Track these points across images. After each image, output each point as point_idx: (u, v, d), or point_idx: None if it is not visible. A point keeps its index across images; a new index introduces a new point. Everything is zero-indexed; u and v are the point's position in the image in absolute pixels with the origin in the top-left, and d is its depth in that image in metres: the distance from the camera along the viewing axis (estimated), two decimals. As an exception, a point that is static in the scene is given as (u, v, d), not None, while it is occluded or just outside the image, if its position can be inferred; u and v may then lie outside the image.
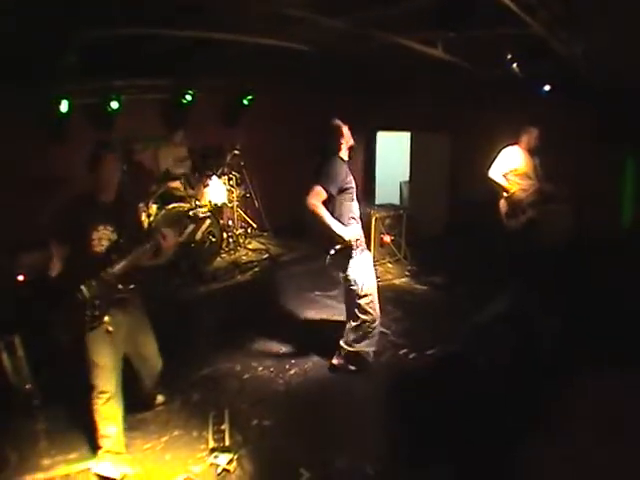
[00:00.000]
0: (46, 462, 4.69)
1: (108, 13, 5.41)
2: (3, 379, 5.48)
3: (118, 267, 4.38)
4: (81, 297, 4.23)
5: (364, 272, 5.77)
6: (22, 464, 4.66)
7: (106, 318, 4.36)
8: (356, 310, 5.84)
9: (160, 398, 5.51)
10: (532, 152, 7.80)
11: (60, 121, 8.29)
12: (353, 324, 5.91)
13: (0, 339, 5.50)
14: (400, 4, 5.58)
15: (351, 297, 5.86)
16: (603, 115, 8.13)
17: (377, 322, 5.96)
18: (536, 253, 7.75)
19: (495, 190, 7.89)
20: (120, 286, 4.48)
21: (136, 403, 5.16)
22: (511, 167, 7.75)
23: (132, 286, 4.60)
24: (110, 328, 4.38)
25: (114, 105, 8.77)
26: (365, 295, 5.78)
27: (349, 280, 5.74)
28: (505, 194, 7.80)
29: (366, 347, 5.99)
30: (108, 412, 4.49)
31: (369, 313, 5.84)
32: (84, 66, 7.13)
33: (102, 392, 4.43)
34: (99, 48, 6.55)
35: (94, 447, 4.69)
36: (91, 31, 5.78)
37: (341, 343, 6.04)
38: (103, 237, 4.39)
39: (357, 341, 5.94)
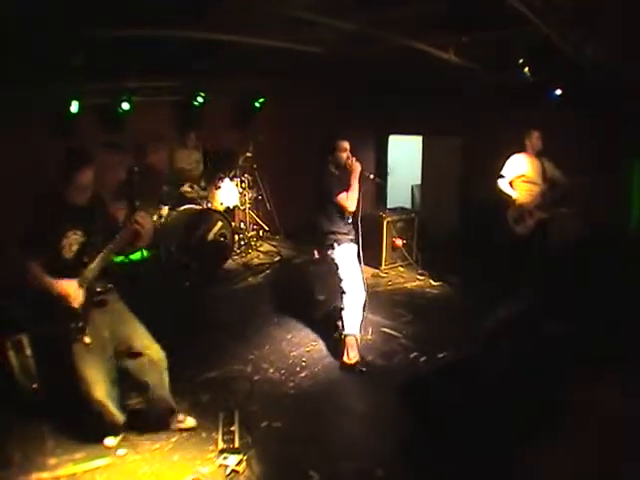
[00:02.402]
0: (52, 461, 4.69)
1: (120, 13, 5.42)
2: (10, 378, 5.50)
3: (91, 269, 4.36)
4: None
5: (346, 258, 6.22)
6: (28, 463, 4.66)
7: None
8: (341, 294, 6.29)
9: (190, 421, 5.19)
10: (539, 154, 7.80)
11: (70, 121, 8.29)
12: (342, 309, 6.31)
13: (7, 338, 5.52)
14: (412, 7, 5.58)
15: (337, 283, 6.33)
16: (612, 117, 8.09)
17: (355, 303, 6.24)
18: (545, 256, 7.75)
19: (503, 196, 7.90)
20: (98, 288, 4.49)
21: (156, 426, 5.06)
22: (517, 173, 7.79)
23: (110, 285, 4.62)
24: (88, 340, 4.37)
25: (125, 106, 8.79)
26: (344, 279, 6.22)
27: (335, 264, 6.26)
28: (512, 201, 7.81)
29: (352, 330, 6.25)
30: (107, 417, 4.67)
31: (346, 293, 6.23)
32: (95, 67, 7.14)
33: (100, 402, 4.54)
34: (111, 49, 6.56)
35: (100, 447, 4.79)
36: (102, 31, 5.78)
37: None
38: (73, 242, 4.35)
39: (345, 326, 6.27)
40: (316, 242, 6.61)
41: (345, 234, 6.22)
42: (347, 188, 6.01)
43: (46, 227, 4.24)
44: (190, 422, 5.17)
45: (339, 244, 6.19)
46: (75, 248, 4.33)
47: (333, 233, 6.21)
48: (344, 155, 6.15)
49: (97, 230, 4.45)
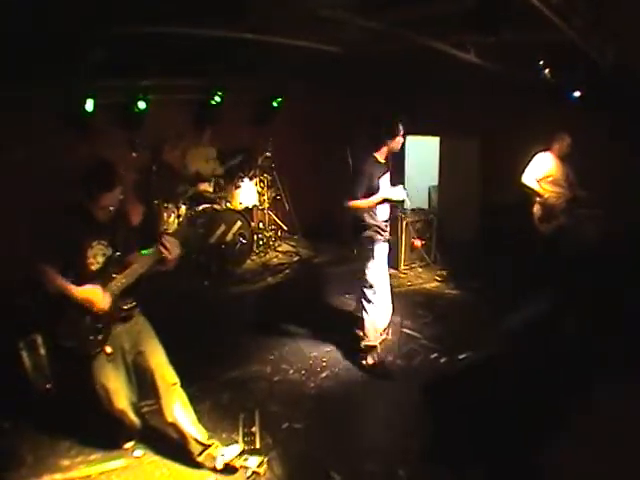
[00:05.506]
0: (65, 463, 4.67)
1: (137, 11, 5.41)
2: (23, 378, 5.49)
3: (117, 283, 4.22)
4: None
5: (378, 262, 6.04)
6: (40, 464, 4.64)
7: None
8: (362, 299, 6.12)
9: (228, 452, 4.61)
10: (564, 159, 7.74)
11: (85, 120, 8.30)
12: (362, 316, 6.18)
13: (21, 338, 5.50)
14: (433, 7, 5.56)
15: (360, 285, 6.13)
16: (634, 120, 8.02)
17: (378, 311, 6.15)
18: (566, 258, 7.70)
19: (526, 194, 7.84)
20: (122, 305, 4.34)
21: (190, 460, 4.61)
22: (544, 173, 7.70)
23: (134, 303, 4.43)
24: (109, 350, 4.28)
25: (141, 105, 8.79)
26: (371, 285, 6.02)
27: (366, 266, 6.01)
28: (539, 199, 7.74)
29: (372, 341, 6.21)
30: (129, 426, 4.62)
31: (371, 302, 6.07)
32: (112, 65, 7.15)
33: (122, 412, 4.47)
34: (127, 47, 6.55)
35: (116, 448, 4.76)
36: (119, 29, 5.76)
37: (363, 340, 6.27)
38: (98, 253, 4.20)
39: (367, 335, 6.19)
40: (350, 235, 6.29)
41: (380, 234, 6.01)
42: (368, 194, 5.79)
43: (71, 236, 4.12)
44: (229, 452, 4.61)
45: (376, 242, 5.98)
46: (101, 260, 4.21)
47: (372, 229, 5.95)
48: (402, 140, 6.01)
49: (121, 241, 4.32)
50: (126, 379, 4.50)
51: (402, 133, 5.95)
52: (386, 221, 6.10)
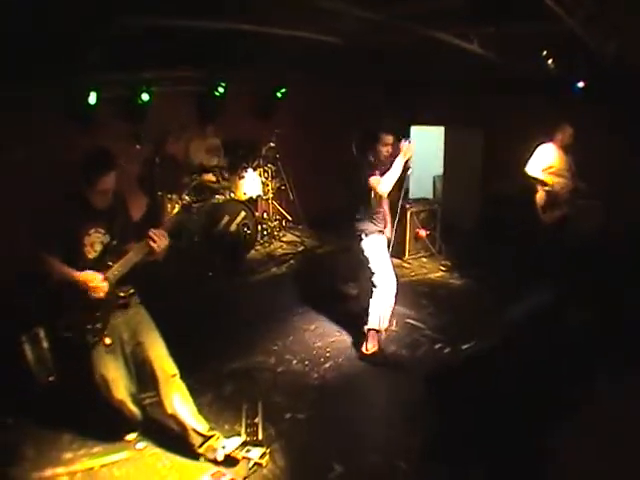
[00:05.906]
0: (67, 456, 4.66)
1: (140, 2, 5.39)
2: (25, 372, 5.48)
3: (114, 271, 4.23)
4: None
5: (375, 251, 6.20)
6: (42, 458, 4.64)
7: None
8: (371, 287, 6.25)
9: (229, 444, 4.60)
10: (566, 150, 7.74)
11: (88, 113, 8.24)
12: (369, 301, 6.29)
13: (24, 331, 5.50)
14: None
15: (367, 275, 6.32)
16: (635, 112, 8.00)
17: (383, 298, 6.21)
18: (567, 248, 7.70)
19: (529, 184, 7.84)
20: (120, 293, 4.36)
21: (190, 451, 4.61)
22: (547, 164, 7.71)
23: (132, 290, 4.47)
24: (108, 341, 4.30)
25: (145, 97, 8.76)
26: (374, 272, 6.19)
27: (364, 256, 6.24)
28: (544, 188, 7.74)
29: (374, 324, 6.26)
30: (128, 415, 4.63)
31: (376, 287, 6.19)
32: (114, 58, 7.12)
33: (120, 402, 4.49)
34: (130, 39, 6.53)
35: (118, 441, 4.78)
36: (122, 21, 5.74)
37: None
38: (95, 241, 4.23)
39: (369, 319, 6.28)
40: (344, 232, 6.59)
41: (374, 225, 6.18)
42: (383, 172, 5.93)
43: (69, 224, 4.14)
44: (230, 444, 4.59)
45: (367, 235, 6.14)
46: (98, 248, 4.23)
47: (362, 223, 6.18)
48: (385, 149, 6.10)
49: (119, 230, 4.35)
50: (125, 370, 4.52)
51: (388, 141, 6.11)
52: (378, 213, 6.27)
